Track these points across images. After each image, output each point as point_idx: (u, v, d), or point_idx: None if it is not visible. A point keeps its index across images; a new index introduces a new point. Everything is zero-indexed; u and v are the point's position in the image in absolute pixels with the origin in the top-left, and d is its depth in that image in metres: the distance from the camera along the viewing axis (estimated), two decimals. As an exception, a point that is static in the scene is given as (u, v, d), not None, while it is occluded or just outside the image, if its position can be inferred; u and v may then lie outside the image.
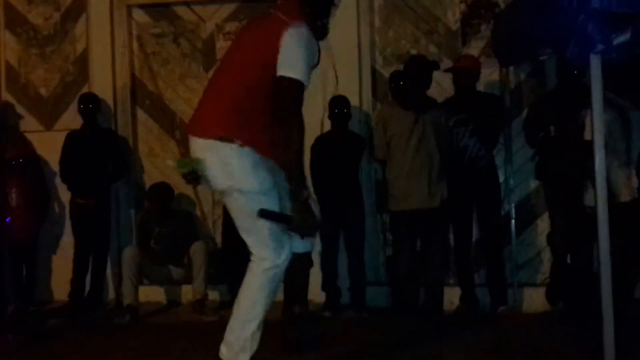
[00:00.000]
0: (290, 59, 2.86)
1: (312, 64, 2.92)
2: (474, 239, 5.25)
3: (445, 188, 4.95)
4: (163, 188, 5.64)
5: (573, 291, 4.85)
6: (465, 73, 5.12)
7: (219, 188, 3.04)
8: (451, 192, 5.00)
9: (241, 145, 2.92)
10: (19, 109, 6.16)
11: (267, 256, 2.97)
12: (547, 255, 5.40)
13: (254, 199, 2.94)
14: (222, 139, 2.92)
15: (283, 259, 2.99)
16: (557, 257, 5.04)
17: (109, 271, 5.85)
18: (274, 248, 2.97)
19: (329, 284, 5.32)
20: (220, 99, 3.01)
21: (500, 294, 5.12)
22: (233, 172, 2.94)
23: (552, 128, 4.85)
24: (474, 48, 5.63)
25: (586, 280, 4.73)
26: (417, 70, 4.98)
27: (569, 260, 4.97)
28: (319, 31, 3.02)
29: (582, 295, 4.75)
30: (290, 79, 2.85)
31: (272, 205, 2.96)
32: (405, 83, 5.10)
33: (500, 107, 5.31)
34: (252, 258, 3.02)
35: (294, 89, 2.86)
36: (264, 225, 2.94)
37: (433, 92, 5.37)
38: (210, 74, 5.87)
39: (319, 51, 2.99)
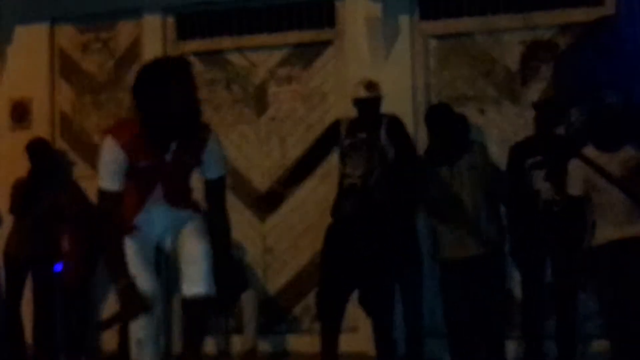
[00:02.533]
0: None
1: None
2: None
3: (497, 232, 4.79)
4: None
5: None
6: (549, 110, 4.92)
7: None
8: (523, 238, 4.85)
9: None
10: (72, 156, 6.25)
11: None
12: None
13: None
14: None
15: None
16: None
17: (158, 320, 5.81)
18: None
19: (384, 334, 5.05)
20: None
21: (570, 348, 4.87)
22: None
23: None
24: (534, 90, 5.50)
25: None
26: (436, 123, 4.81)
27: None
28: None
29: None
30: None
31: None
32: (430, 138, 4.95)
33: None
34: None
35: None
36: None
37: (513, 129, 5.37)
38: (263, 119, 6.01)
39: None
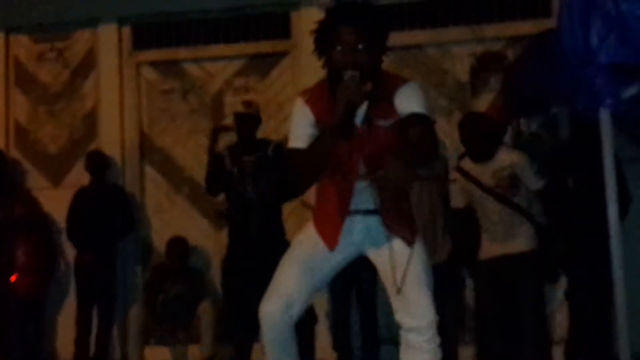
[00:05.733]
0: None
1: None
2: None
3: (450, 242, 4.84)
4: (184, 243, 5.67)
5: (593, 348, 4.69)
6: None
7: None
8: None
9: None
10: (27, 166, 6.22)
11: None
12: (564, 312, 5.23)
13: None
14: None
15: None
16: (575, 313, 4.88)
17: (114, 330, 5.79)
18: None
19: (340, 342, 5.20)
20: None
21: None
22: None
23: (569, 180, 4.75)
24: (484, 100, 5.60)
25: (606, 336, 4.57)
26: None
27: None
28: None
29: (602, 352, 4.58)
30: None
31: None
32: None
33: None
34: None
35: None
36: None
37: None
38: (220, 129, 6.05)
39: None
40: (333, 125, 2.61)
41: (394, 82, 2.75)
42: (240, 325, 4.96)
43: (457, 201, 4.64)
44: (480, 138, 4.57)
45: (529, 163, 4.56)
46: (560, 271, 4.84)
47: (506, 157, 4.54)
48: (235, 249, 4.97)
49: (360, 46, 2.66)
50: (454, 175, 4.65)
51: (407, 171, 2.47)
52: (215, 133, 5.07)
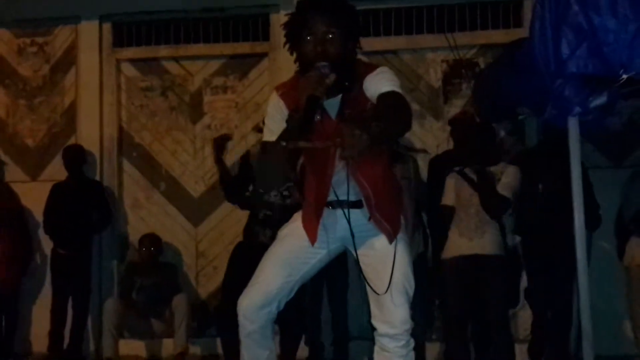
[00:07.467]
0: None
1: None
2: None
3: (422, 241, 4.94)
4: (155, 239, 5.68)
5: (555, 346, 4.85)
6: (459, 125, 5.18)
7: None
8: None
9: None
10: (5, 159, 6.17)
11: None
12: (527, 311, 5.40)
13: None
14: None
15: None
16: (537, 312, 5.04)
17: (89, 323, 5.80)
18: None
19: (311, 338, 5.28)
20: None
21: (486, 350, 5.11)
22: None
23: (540, 186, 4.85)
24: (456, 106, 5.75)
25: (568, 335, 4.75)
26: None
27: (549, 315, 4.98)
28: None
29: (564, 350, 4.76)
30: None
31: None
32: None
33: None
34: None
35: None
36: None
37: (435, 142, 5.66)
38: (198, 127, 6.08)
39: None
40: (295, 118, 2.55)
41: (364, 71, 2.66)
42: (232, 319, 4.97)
43: (449, 199, 4.68)
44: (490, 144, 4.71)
45: (516, 175, 4.59)
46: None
47: (503, 167, 4.63)
48: (248, 244, 5.02)
49: (329, 36, 2.60)
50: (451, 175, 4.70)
51: (366, 138, 2.30)
52: (219, 143, 5.14)
